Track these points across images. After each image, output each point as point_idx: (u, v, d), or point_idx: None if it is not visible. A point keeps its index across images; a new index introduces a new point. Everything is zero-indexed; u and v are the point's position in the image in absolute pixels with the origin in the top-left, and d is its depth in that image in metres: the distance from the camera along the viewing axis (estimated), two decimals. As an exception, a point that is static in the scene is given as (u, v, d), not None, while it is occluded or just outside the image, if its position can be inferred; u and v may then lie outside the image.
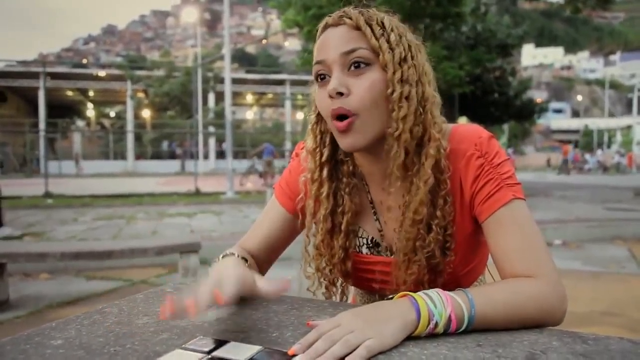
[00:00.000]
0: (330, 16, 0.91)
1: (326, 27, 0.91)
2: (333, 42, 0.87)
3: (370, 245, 1.01)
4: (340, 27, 0.88)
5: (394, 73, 0.86)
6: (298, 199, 1.01)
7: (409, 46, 0.89)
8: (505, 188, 0.88)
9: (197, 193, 13.09)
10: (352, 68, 0.86)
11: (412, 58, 0.89)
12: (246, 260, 0.93)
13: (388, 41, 0.87)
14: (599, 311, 3.58)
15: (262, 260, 1.06)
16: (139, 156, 32.76)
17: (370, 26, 0.87)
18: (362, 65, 0.86)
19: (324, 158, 0.97)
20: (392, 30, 0.88)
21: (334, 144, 0.97)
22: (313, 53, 0.92)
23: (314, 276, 1.02)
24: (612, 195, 13.23)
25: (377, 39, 0.86)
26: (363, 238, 1.02)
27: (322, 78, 0.89)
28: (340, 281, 1.04)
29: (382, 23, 0.88)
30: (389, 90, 0.86)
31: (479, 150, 0.90)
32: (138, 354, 0.68)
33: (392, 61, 0.86)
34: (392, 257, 0.97)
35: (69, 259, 3.73)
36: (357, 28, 0.87)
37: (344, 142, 0.87)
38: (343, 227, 0.97)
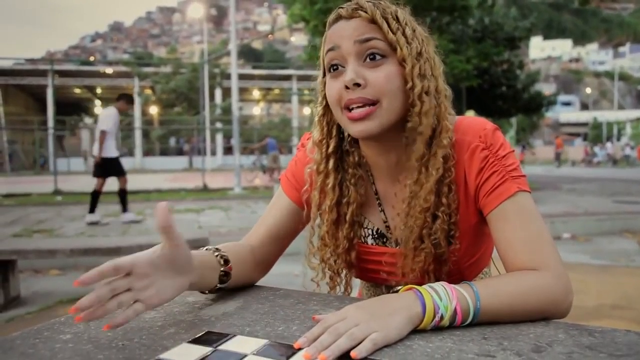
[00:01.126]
0: (342, 7, 0.89)
1: (338, 18, 0.90)
2: (348, 31, 0.87)
3: (376, 236, 1.01)
4: (354, 19, 0.87)
5: (412, 68, 0.85)
6: (303, 190, 1.01)
7: (422, 40, 0.90)
8: (510, 180, 0.87)
9: (205, 189, 13.11)
10: (368, 60, 0.86)
11: (425, 52, 0.89)
12: (227, 262, 0.91)
13: (404, 35, 0.86)
14: (608, 304, 3.56)
15: (267, 252, 1.05)
16: (147, 153, 32.88)
17: (386, 20, 0.86)
18: (377, 57, 0.85)
19: (330, 149, 0.96)
20: (406, 24, 0.88)
21: (340, 135, 0.97)
22: (321, 45, 0.92)
23: (318, 267, 1.02)
24: (622, 188, 13.13)
25: (394, 33, 0.85)
26: (368, 229, 1.02)
27: (334, 68, 0.88)
28: (344, 272, 1.04)
29: (397, 17, 0.88)
30: (409, 85, 0.85)
31: (484, 142, 0.90)
32: (146, 348, 0.69)
33: (410, 56, 0.85)
34: (398, 247, 0.97)
35: (79, 255, 3.76)
36: (373, 21, 0.86)
37: (358, 129, 0.86)
38: (348, 217, 0.97)
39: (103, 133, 6.69)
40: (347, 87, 0.85)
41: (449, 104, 0.92)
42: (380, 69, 0.85)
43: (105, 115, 6.87)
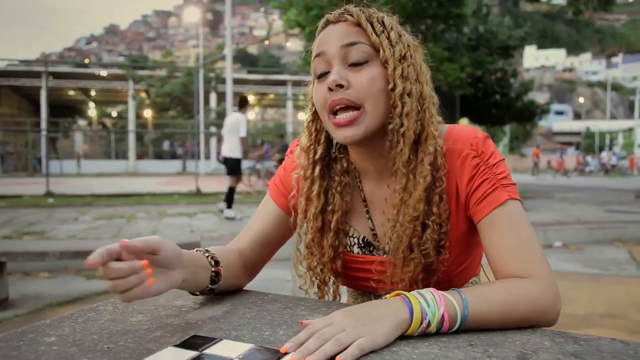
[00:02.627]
0: (330, 14, 0.92)
1: (327, 24, 0.92)
2: (334, 36, 0.88)
3: (362, 244, 1.01)
4: (340, 23, 0.89)
5: (394, 69, 0.86)
6: (290, 196, 1.01)
7: (408, 45, 0.91)
8: (501, 188, 0.88)
9: (198, 193, 13.09)
10: (352, 63, 0.87)
11: (411, 57, 0.90)
12: (217, 263, 0.91)
13: (388, 38, 0.88)
14: (598, 313, 3.57)
15: (255, 258, 1.05)
16: (141, 156, 32.81)
17: (371, 23, 0.88)
18: (361, 60, 0.87)
19: (317, 156, 0.97)
20: (391, 28, 0.89)
21: (328, 142, 0.98)
22: (312, 51, 0.93)
23: (305, 275, 1.02)
24: (614, 197, 13.21)
25: (377, 35, 0.87)
26: (354, 237, 1.01)
27: (321, 74, 0.90)
28: (332, 280, 1.04)
29: (382, 21, 0.90)
30: (390, 86, 0.86)
31: (475, 150, 0.90)
32: (131, 352, 0.69)
33: (393, 57, 0.87)
34: (385, 256, 0.97)
35: (69, 257, 3.74)
36: (358, 25, 0.88)
37: (343, 135, 0.87)
38: (332, 225, 0.97)
39: (244, 139, 7.60)
40: (330, 89, 0.86)
41: (435, 111, 0.93)
42: (363, 71, 0.87)
43: (240, 121, 7.59)
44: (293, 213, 1.01)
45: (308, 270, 1.02)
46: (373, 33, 0.87)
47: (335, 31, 0.89)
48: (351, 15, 0.89)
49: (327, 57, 0.88)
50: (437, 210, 0.90)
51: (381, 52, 0.87)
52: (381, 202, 0.98)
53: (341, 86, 0.86)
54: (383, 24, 0.89)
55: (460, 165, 0.90)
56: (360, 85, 0.86)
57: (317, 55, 0.90)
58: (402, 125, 0.87)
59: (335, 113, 0.87)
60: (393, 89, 0.87)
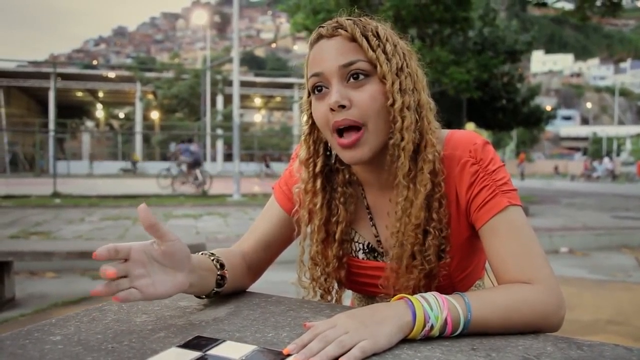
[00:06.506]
0: (323, 26, 0.89)
1: (320, 38, 0.89)
2: (329, 54, 0.86)
3: (367, 250, 1.01)
4: (335, 38, 0.87)
5: (392, 84, 0.85)
6: (293, 212, 1.01)
7: (403, 54, 0.89)
8: (501, 195, 0.87)
9: (204, 195, 13.13)
10: (351, 80, 0.86)
11: (407, 66, 0.89)
12: (222, 266, 0.91)
13: (384, 52, 0.86)
14: (604, 320, 3.55)
15: (259, 259, 1.05)
16: (147, 157, 32.91)
17: (367, 37, 0.86)
18: (361, 77, 0.85)
19: (317, 169, 0.96)
20: (387, 40, 0.88)
21: (327, 154, 0.97)
22: (305, 63, 0.91)
23: (309, 286, 1.02)
24: (621, 203, 13.13)
25: (374, 50, 0.85)
26: (359, 243, 1.02)
27: (319, 90, 0.88)
28: (335, 289, 1.04)
29: (377, 33, 0.88)
30: (390, 101, 0.85)
31: (474, 157, 0.90)
32: (135, 351, 0.69)
33: (390, 72, 0.85)
34: (389, 261, 0.97)
35: (75, 258, 3.75)
36: (353, 40, 0.86)
37: (350, 156, 0.87)
38: (337, 236, 0.98)
39: None
40: (332, 109, 0.85)
41: (433, 118, 0.92)
42: (364, 89, 0.86)
43: None
44: (297, 227, 1.01)
45: (312, 281, 1.02)
46: (369, 49, 0.85)
47: (331, 48, 0.87)
48: (345, 30, 0.86)
49: (325, 75, 0.87)
50: (437, 216, 0.90)
51: (378, 67, 0.85)
52: (384, 209, 0.98)
53: (343, 106, 0.85)
54: (378, 36, 0.87)
55: (460, 173, 0.90)
56: (362, 103, 0.85)
57: (315, 74, 0.88)
58: (402, 139, 0.87)
59: (339, 133, 0.87)
60: (392, 104, 0.86)
